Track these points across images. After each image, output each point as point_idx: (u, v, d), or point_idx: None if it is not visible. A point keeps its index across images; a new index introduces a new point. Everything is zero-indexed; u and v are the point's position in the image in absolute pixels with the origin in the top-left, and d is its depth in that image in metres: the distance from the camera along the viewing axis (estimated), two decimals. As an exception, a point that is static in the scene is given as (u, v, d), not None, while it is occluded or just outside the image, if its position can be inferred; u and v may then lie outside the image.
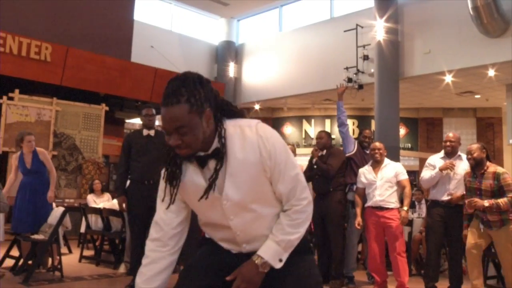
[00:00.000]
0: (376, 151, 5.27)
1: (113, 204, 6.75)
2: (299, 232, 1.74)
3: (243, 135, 1.70)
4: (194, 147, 1.64)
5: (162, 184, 1.83)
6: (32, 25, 9.19)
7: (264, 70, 14.67)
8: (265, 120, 16.78)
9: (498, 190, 4.50)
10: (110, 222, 6.54)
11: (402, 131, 15.31)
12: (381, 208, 5.11)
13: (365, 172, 5.33)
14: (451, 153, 5.11)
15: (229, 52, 15.54)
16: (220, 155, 1.67)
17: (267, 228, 1.75)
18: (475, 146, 4.71)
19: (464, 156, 5.07)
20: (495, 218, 4.46)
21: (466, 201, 4.63)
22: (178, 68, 12.27)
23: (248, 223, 1.74)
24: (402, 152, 13.45)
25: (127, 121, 12.35)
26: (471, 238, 4.60)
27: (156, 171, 4.80)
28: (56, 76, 8.45)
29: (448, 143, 5.13)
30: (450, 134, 5.24)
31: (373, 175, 5.23)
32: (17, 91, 7.62)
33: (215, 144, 1.68)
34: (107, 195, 7.78)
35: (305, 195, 1.77)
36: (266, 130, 1.72)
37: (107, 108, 9.16)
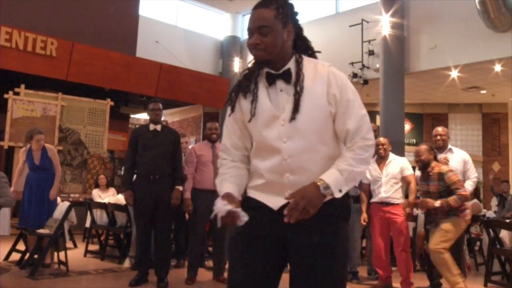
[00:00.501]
0: (380, 146, 5.25)
1: (118, 199, 6.78)
2: (361, 167, 1.74)
3: (316, 68, 1.79)
4: (270, 51, 1.73)
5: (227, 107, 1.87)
6: (38, 20, 9.21)
7: None
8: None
9: (445, 190, 4.53)
10: (115, 217, 6.55)
11: (407, 126, 15.26)
12: (387, 204, 5.11)
13: (370, 169, 5.30)
14: (442, 147, 5.09)
15: (234, 47, 15.51)
16: (290, 75, 1.74)
17: (316, 164, 1.74)
18: (423, 147, 4.73)
19: (455, 149, 5.13)
20: (444, 216, 4.55)
21: (418, 202, 4.70)
22: (183, 63, 12.31)
23: (299, 151, 1.73)
24: (407, 147, 13.39)
25: (132, 116, 12.47)
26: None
27: (162, 166, 4.90)
28: (62, 71, 8.46)
29: (438, 137, 5.12)
30: (439, 128, 5.25)
31: (378, 172, 5.21)
32: (23, 86, 7.65)
33: (289, 65, 1.76)
34: (112, 190, 7.80)
35: (371, 136, 1.79)
36: (338, 71, 1.82)
37: (112, 103, 9.17)
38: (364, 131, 1.77)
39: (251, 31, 1.75)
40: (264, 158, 1.79)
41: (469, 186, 4.97)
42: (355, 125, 1.76)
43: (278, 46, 1.73)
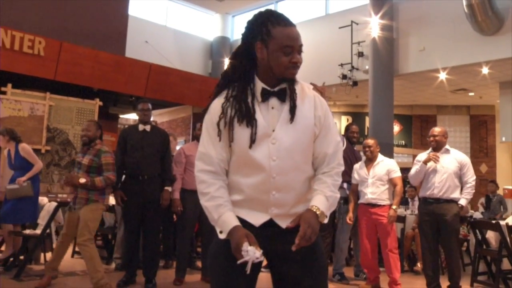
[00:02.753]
0: (367, 148, 5.30)
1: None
2: (338, 193, 1.83)
3: (303, 89, 1.83)
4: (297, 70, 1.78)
5: (214, 118, 1.79)
6: (25, 19, 9.11)
7: None
8: (259, 116, 16.99)
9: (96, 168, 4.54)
10: (103, 218, 6.51)
11: (396, 128, 15.35)
12: (373, 205, 5.15)
13: (358, 169, 5.36)
14: (436, 148, 5.02)
15: (223, 47, 15.52)
16: (285, 94, 1.77)
17: (300, 183, 1.79)
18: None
19: (453, 150, 5.05)
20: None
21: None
22: (172, 64, 12.26)
23: (287, 169, 1.75)
24: (395, 149, 13.48)
25: (121, 116, 12.25)
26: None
27: (151, 166, 4.86)
28: (50, 71, 8.36)
29: (431, 138, 5.04)
30: (435, 129, 5.15)
31: (365, 172, 5.26)
32: (9, 85, 7.55)
33: (284, 84, 1.78)
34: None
35: (342, 162, 1.88)
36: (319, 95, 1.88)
37: (101, 103, 9.06)
38: (339, 157, 1.86)
39: (293, 48, 1.74)
40: (247, 175, 1.77)
41: (466, 196, 4.89)
42: (333, 151, 1.83)
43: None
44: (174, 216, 5.80)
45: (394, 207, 5.08)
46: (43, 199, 5.95)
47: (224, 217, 1.71)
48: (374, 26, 11.52)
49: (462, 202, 4.86)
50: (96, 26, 10.41)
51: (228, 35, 15.97)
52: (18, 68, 7.92)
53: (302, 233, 1.64)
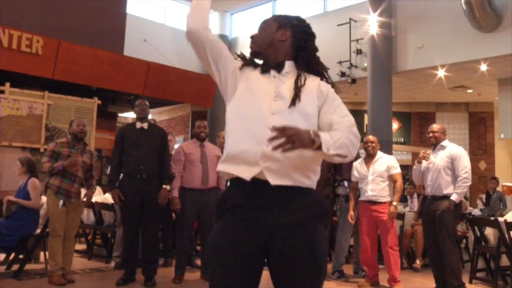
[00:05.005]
0: (369, 144, 5.31)
1: (105, 198, 6.75)
2: (350, 139, 1.75)
3: (309, 76, 1.91)
4: (259, 44, 1.98)
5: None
6: (23, 17, 9.08)
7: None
8: (258, 114, 17.07)
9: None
10: (102, 216, 6.53)
11: (395, 125, 15.37)
12: (374, 202, 5.16)
13: (358, 166, 5.37)
14: (435, 145, 4.95)
15: (222, 45, 15.48)
16: (282, 66, 1.91)
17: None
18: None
19: (449, 145, 4.92)
20: None
21: None
22: (171, 62, 12.25)
23: (284, 123, 1.66)
24: (394, 146, 13.49)
25: (119, 115, 12.25)
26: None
27: (150, 164, 4.88)
28: (48, 70, 8.33)
29: (430, 134, 4.97)
30: (434, 125, 5.08)
31: (365, 169, 5.27)
32: (8, 84, 7.53)
33: (288, 64, 1.92)
34: (98, 189, 7.73)
35: (357, 132, 1.81)
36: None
37: (99, 102, 9.02)
38: (352, 122, 1.82)
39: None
40: (245, 133, 1.79)
41: (457, 190, 4.73)
42: (342, 115, 1.83)
43: (267, 40, 1.95)
44: (173, 214, 5.80)
45: (394, 203, 5.08)
46: (41, 198, 5.90)
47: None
48: (372, 23, 11.54)
49: (453, 197, 4.71)
50: (94, 25, 10.37)
51: (227, 33, 15.96)
52: (16, 67, 7.90)
53: (280, 127, 1.57)
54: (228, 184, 1.87)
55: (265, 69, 1.92)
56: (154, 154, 4.97)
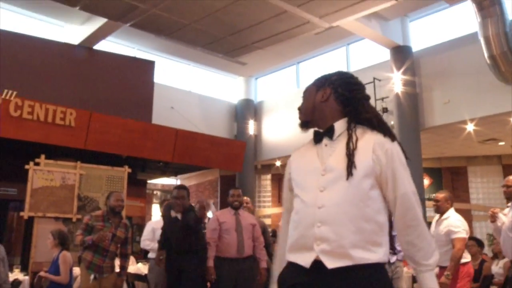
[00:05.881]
0: (434, 202, 5.04)
1: (138, 268, 6.78)
2: (428, 247, 1.77)
3: (364, 132, 1.84)
4: (304, 112, 1.96)
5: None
6: (58, 92, 9.52)
7: (283, 127, 14.74)
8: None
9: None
10: (135, 287, 6.47)
11: (426, 181, 15.12)
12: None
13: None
14: (510, 198, 4.59)
15: (248, 109, 15.76)
16: (332, 132, 1.83)
17: (357, 219, 1.66)
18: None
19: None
20: None
21: None
22: (198, 128, 12.48)
23: (335, 199, 1.68)
24: (427, 203, 13.20)
25: (149, 181, 12.50)
26: None
27: (188, 245, 4.94)
28: (80, 140, 8.68)
29: (505, 188, 4.66)
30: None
31: (432, 229, 4.93)
32: (43, 156, 7.79)
33: (338, 126, 1.84)
34: (131, 259, 7.72)
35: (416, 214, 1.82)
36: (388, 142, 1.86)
37: (129, 170, 9.23)
38: (407, 203, 1.82)
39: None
40: (300, 220, 1.76)
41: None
42: (394, 198, 1.79)
43: (310, 106, 1.93)
44: (208, 284, 5.65)
45: (446, 273, 4.57)
46: (75, 269, 5.90)
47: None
48: (396, 82, 11.65)
49: None
50: (123, 95, 10.79)
51: (252, 97, 16.21)
52: (51, 139, 8.21)
53: None
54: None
55: (317, 139, 1.88)
56: (190, 236, 5.02)
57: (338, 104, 1.89)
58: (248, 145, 14.28)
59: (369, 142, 1.78)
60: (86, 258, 4.86)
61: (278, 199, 16.01)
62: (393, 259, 5.16)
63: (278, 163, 15.33)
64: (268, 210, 16.24)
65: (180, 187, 5.25)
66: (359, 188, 1.69)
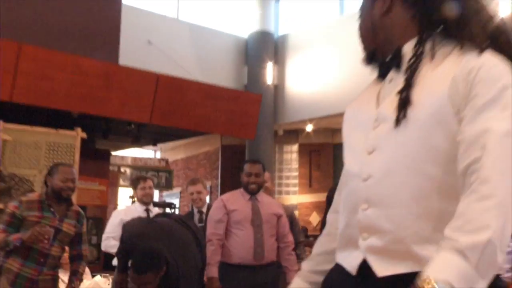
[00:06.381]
0: None
1: (97, 283, 7.07)
2: (490, 226, 1.42)
3: (449, 54, 1.71)
4: (362, 34, 1.95)
5: None
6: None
7: (318, 73, 14.62)
8: (322, 146, 16.70)
9: None
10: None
11: None
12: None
13: None
14: None
15: (265, 48, 15.70)
16: (399, 58, 1.78)
17: (419, 195, 1.56)
18: None
19: None
20: None
21: None
22: (190, 73, 12.77)
23: (386, 165, 1.63)
24: None
25: (113, 153, 12.56)
26: None
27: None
28: (4, 88, 8.35)
29: None
30: None
31: None
32: None
33: (408, 48, 1.77)
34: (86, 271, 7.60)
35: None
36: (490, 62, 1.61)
37: (84, 135, 8.90)
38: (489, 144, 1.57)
39: None
40: (345, 188, 1.85)
41: None
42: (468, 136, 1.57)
43: (368, 26, 1.90)
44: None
45: None
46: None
47: None
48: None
49: None
50: (75, 21, 10.47)
51: (271, 29, 16.06)
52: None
53: None
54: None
55: (381, 74, 1.89)
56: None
57: (408, 13, 1.81)
58: (265, 99, 13.97)
59: (451, 67, 1.65)
60: (11, 268, 4.73)
61: (309, 182, 16.13)
62: None
63: (309, 128, 15.38)
64: (293, 198, 16.29)
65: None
66: (427, 143, 1.60)
